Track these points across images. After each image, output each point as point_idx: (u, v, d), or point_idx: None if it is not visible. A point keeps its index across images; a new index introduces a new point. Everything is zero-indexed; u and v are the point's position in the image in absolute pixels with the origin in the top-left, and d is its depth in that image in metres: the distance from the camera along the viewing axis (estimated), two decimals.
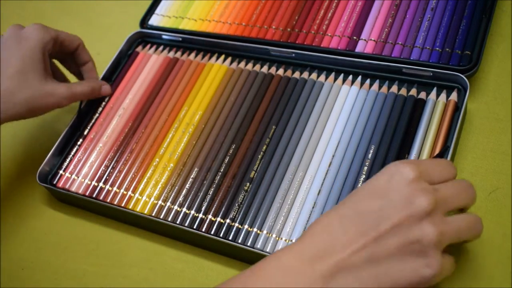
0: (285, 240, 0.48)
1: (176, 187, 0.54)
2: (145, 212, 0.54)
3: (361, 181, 0.49)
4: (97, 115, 0.62)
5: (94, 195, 0.56)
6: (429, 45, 0.57)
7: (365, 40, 0.60)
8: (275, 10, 0.66)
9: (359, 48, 0.59)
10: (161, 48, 0.67)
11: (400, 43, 0.58)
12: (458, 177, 0.50)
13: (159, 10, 0.71)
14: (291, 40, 0.62)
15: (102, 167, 0.58)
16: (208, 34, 0.66)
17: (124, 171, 0.57)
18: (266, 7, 0.66)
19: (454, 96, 0.52)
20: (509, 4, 0.61)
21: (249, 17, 0.66)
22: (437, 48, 0.57)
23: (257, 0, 0.67)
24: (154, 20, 0.70)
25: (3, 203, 0.60)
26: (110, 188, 0.56)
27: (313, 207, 0.50)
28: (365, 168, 0.50)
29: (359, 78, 0.57)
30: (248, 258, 0.50)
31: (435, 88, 0.53)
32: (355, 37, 0.60)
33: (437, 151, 0.49)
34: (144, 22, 0.70)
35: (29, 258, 0.56)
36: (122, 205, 0.55)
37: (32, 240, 0.57)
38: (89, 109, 0.63)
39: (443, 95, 0.53)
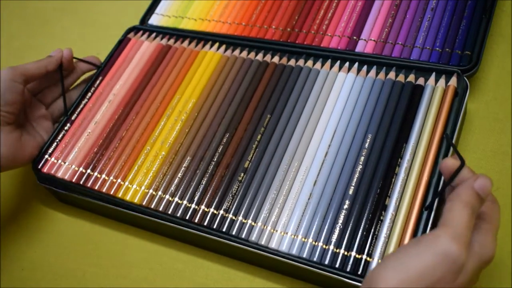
0: (281, 233, 0.48)
1: (168, 176, 0.53)
2: (135, 201, 0.53)
3: (358, 171, 0.49)
4: (85, 100, 0.61)
5: (81, 182, 0.55)
6: (429, 45, 0.57)
7: (365, 40, 0.60)
8: (275, 10, 0.66)
9: (359, 48, 0.59)
10: (153, 35, 0.67)
11: (400, 43, 0.58)
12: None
13: (159, 9, 0.71)
14: (291, 40, 0.62)
15: (91, 154, 0.56)
16: (208, 33, 0.66)
17: (114, 158, 0.56)
18: (266, 7, 0.66)
19: (453, 81, 0.51)
20: (509, 4, 0.61)
21: (249, 17, 0.66)
22: (437, 48, 0.57)
23: (257, 0, 0.67)
24: (154, 20, 0.70)
25: (3, 203, 0.60)
26: (98, 175, 0.55)
27: (309, 198, 0.49)
28: (362, 158, 0.50)
29: (356, 65, 0.56)
30: (247, 257, 0.50)
31: (433, 74, 0.53)
32: (355, 37, 0.60)
33: (436, 138, 0.48)
34: (144, 21, 0.70)
35: (29, 258, 0.56)
36: (111, 193, 0.54)
37: (32, 240, 0.57)
38: (77, 94, 0.62)
39: (442, 81, 0.52)
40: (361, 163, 0.49)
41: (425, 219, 0.45)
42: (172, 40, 0.65)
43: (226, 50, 0.62)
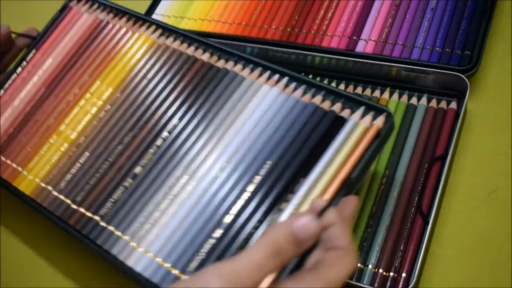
0: (143, 251, 0.45)
1: (63, 171, 0.52)
2: (27, 192, 0.52)
3: (242, 198, 0.43)
4: (15, 75, 0.59)
5: None
6: (429, 45, 0.57)
7: (365, 40, 0.60)
8: (275, 10, 0.66)
9: (359, 48, 0.59)
10: (95, 5, 0.62)
11: (400, 43, 0.58)
12: (458, 177, 0.51)
13: (159, 9, 0.71)
14: (291, 40, 0.62)
15: (5, 136, 0.55)
16: (208, 33, 0.66)
17: (22, 143, 0.54)
18: (266, 7, 0.66)
19: (380, 120, 0.42)
20: (509, 4, 0.61)
21: (249, 17, 0.66)
22: (437, 48, 0.57)
23: (257, 0, 0.67)
24: None
25: (3, 203, 0.60)
26: (4, 159, 0.54)
27: (181, 221, 0.45)
28: (251, 185, 0.43)
29: (285, 79, 0.48)
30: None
31: (362, 108, 0.44)
32: (355, 37, 0.60)
33: (338, 179, 0.41)
34: None
35: (29, 258, 0.56)
36: (10, 180, 0.53)
37: (32, 240, 0.57)
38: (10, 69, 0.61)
39: (368, 117, 0.43)
40: (249, 190, 0.43)
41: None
42: (111, 15, 0.60)
43: (161, 35, 0.56)
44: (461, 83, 0.52)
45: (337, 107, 0.45)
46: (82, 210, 0.49)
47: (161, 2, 0.72)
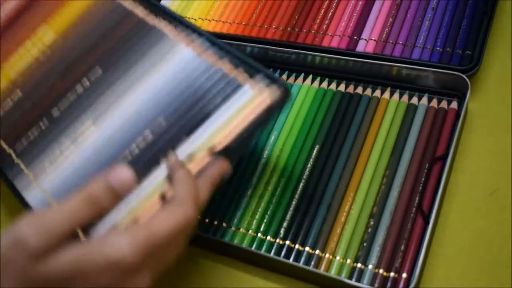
0: (40, 190, 0.48)
1: None
2: None
3: (131, 150, 0.44)
4: None
5: None
6: (430, 45, 0.57)
7: (365, 39, 0.60)
8: (275, 10, 0.66)
9: (359, 48, 0.59)
10: None
11: (401, 43, 0.58)
12: (459, 177, 0.50)
13: None
14: (291, 40, 0.62)
15: None
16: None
17: None
18: (266, 7, 0.66)
19: (276, 92, 0.43)
20: (510, 4, 0.61)
21: (249, 16, 0.66)
22: (438, 48, 0.57)
23: (257, 0, 0.67)
24: None
25: (3, 202, 0.60)
26: None
27: (77, 168, 0.47)
28: (139, 139, 0.45)
29: (201, 40, 0.49)
30: None
31: (261, 77, 0.44)
32: (355, 37, 0.60)
33: (218, 147, 0.42)
34: None
35: None
36: None
37: None
38: None
39: (266, 89, 0.44)
40: (138, 144, 0.45)
41: None
42: None
43: None
44: (462, 83, 0.52)
45: (241, 76, 0.45)
46: (2, 143, 0.53)
47: (161, 2, 0.72)
